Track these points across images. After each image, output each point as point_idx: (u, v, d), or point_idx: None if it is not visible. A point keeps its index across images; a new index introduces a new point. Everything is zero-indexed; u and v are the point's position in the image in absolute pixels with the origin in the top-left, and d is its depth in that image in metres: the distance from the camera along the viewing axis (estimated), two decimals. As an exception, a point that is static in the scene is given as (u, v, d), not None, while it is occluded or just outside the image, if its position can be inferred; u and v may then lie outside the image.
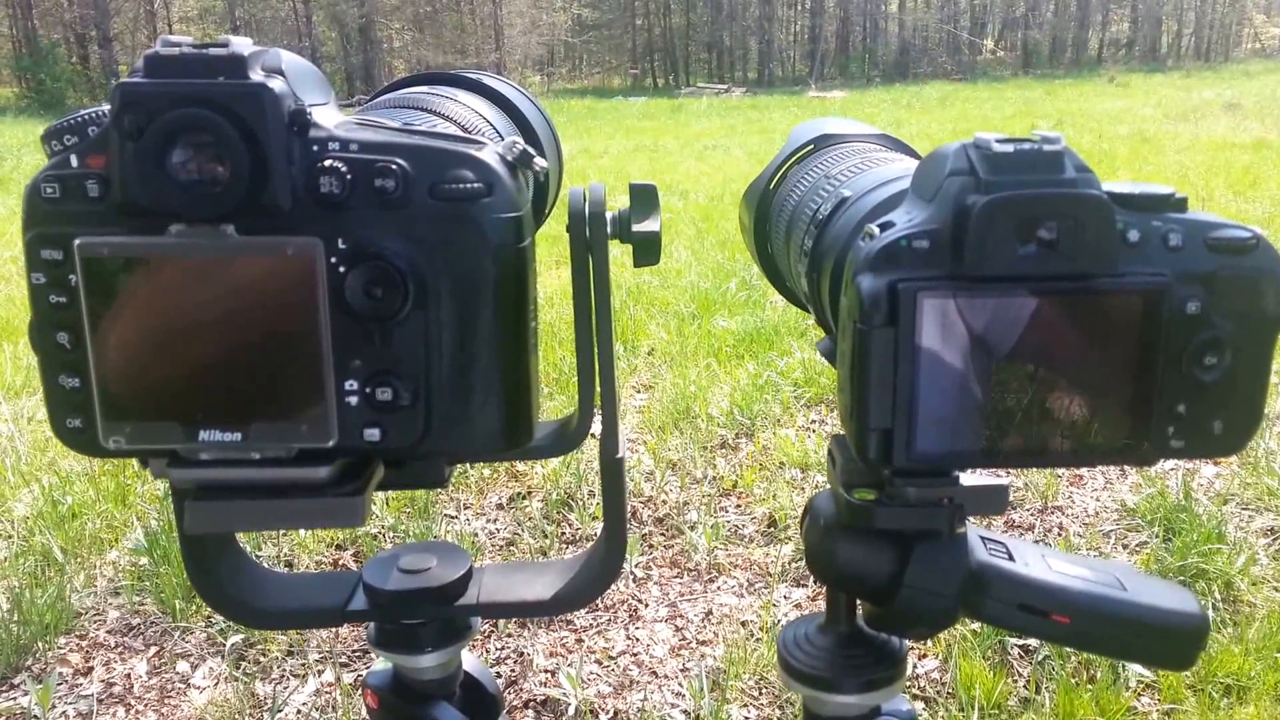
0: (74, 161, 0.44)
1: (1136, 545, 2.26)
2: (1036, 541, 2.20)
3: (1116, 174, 7.50)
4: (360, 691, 1.67)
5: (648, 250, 0.55)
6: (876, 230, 0.43)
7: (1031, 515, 2.43)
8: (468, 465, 2.62)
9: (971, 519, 0.49)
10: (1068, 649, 1.84)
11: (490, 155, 0.46)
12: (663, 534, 2.38)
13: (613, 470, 0.58)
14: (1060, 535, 2.34)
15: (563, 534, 2.37)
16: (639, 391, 3.32)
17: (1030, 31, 32.99)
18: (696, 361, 3.51)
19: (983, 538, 0.49)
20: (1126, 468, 2.65)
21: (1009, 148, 0.42)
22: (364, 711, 0.76)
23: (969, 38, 32.58)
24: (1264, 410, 0.46)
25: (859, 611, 0.55)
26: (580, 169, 8.77)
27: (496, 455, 0.52)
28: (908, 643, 0.56)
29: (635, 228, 0.54)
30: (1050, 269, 0.42)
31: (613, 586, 2.14)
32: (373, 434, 0.45)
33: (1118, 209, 0.43)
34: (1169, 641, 0.47)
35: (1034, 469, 2.62)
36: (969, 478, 0.47)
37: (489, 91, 0.71)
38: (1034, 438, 0.44)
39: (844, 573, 0.50)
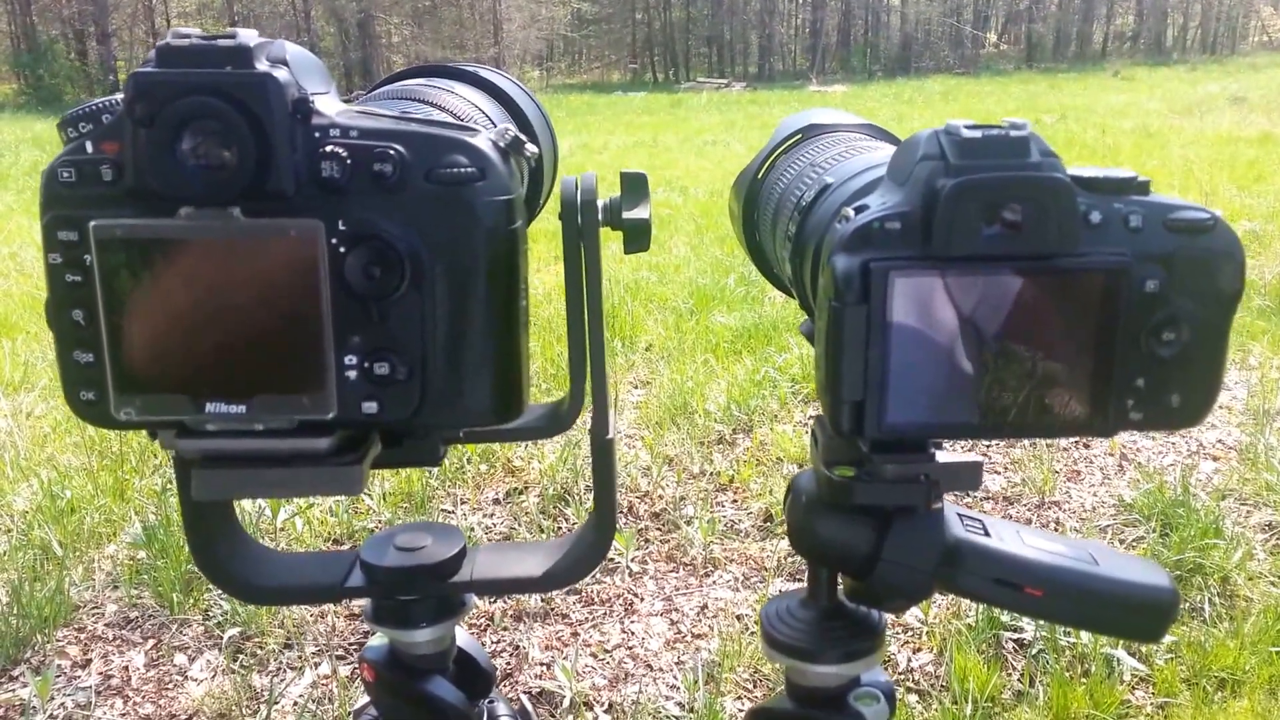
0: (89, 147, 0.46)
1: (1134, 540, 2.27)
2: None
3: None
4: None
5: (638, 236, 0.56)
6: (852, 213, 0.45)
7: (1029, 510, 2.44)
8: (465, 460, 2.64)
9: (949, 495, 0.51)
10: (1065, 646, 1.85)
11: (483, 141, 0.48)
12: (659, 529, 2.39)
13: (603, 451, 0.59)
14: (1057, 530, 2.35)
15: (559, 529, 2.38)
16: (636, 387, 3.33)
17: (1034, 25, 32.92)
18: (694, 357, 3.52)
19: (960, 514, 0.51)
20: (1124, 462, 2.66)
21: (977, 133, 0.44)
22: (360, 700, 0.77)
23: (972, 31, 32.53)
24: (1221, 384, 0.48)
25: (840, 586, 0.56)
26: (580, 164, 8.77)
27: (488, 429, 0.54)
28: (888, 618, 0.57)
29: (625, 215, 0.56)
30: (1015, 249, 0.44)
31: (608, 580, 2.16)
32: (370, 407, 0.47)
33: (1080, 191, 0.45)
34: (1139, 615, 0.49)
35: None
36: (944, 455, 0.49)
37: (484, 83, 0.72)
38: (1001, 411, 0.46)
39: (824, 547, 0.52)
